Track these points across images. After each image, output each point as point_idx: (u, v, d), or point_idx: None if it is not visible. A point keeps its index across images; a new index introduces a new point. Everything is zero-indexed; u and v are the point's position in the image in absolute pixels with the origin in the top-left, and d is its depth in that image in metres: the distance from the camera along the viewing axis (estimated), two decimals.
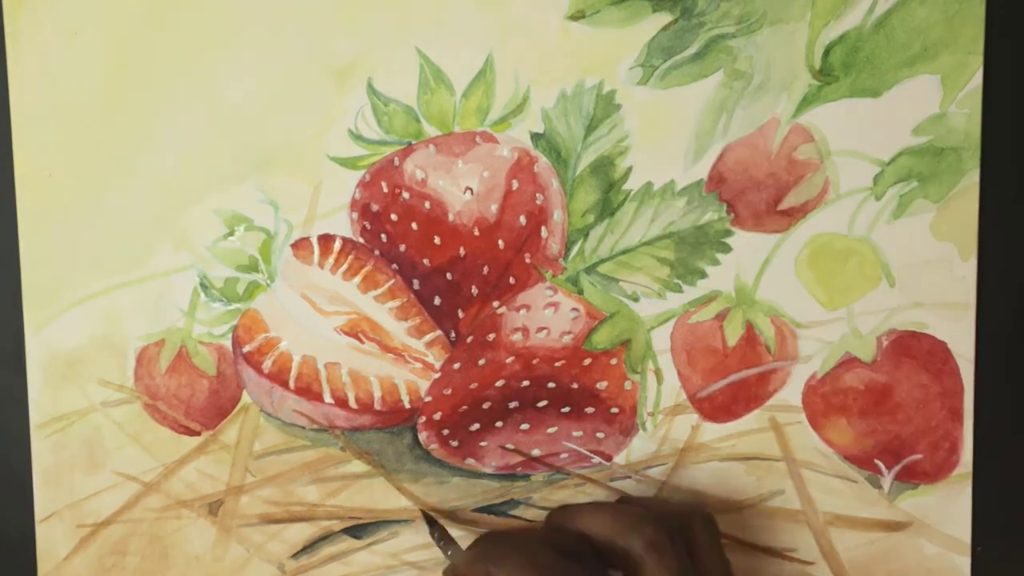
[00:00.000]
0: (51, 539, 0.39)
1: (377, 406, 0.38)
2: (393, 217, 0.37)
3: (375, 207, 0.37)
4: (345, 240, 0.38)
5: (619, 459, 0.38)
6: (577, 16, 0.36)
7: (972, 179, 0.36)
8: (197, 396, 0.39)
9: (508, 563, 0.31)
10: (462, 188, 0.37)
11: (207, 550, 0.39)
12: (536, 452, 0.38)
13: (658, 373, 0.37)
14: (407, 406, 0.38)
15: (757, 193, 0.36)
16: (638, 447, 0.38)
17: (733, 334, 0.37)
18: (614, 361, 0.37)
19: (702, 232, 0.37)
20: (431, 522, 0.37)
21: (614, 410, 0.37)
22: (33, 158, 0.38)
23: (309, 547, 0.39)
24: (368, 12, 0.37)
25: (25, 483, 0.39)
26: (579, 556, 0.32)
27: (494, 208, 0.37)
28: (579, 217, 0.37)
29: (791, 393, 0.37)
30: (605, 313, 0.37)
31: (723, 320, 0.37)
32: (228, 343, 0.38)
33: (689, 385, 0.37)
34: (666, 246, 0.37)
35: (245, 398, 0.39)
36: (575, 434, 0.38)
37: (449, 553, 0.36)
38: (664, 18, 0.36)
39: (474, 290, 0.38)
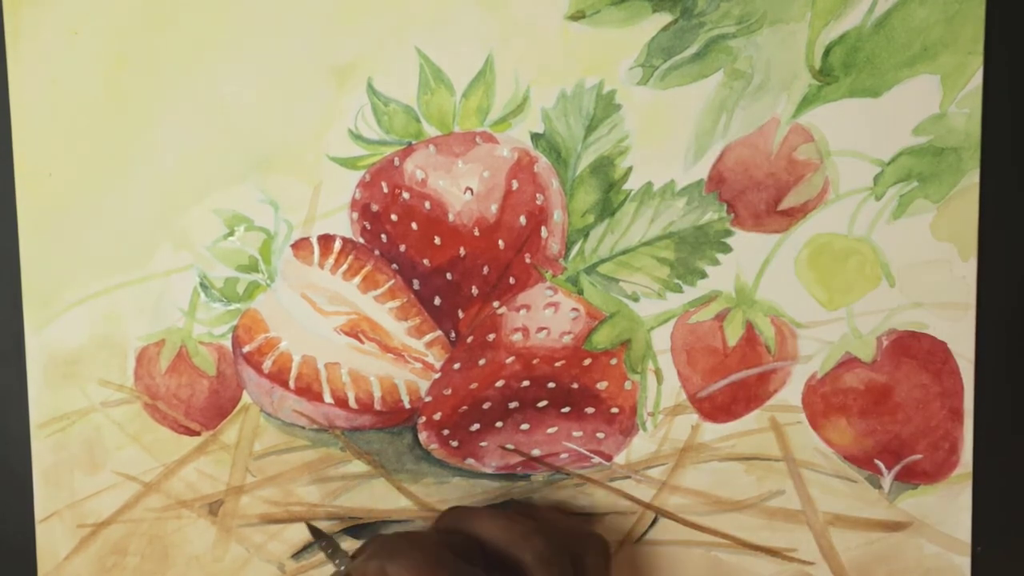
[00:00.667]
0: (51, 539, 0.39)
1: (377, 406, 0.38)
2: (393, 217, 0.37)
3: (375, 207, 0.37)
4: (345, 240, 0.38)
5: (619, 459, 0.38)
6: (577, 16, 0.36)
7: (972, 179, 0.36)
8: (197, 396, 0.39)
9: (403, 559, 0.31)
10: (462, 188, 0.37)
11: (207, 550, 0.39)
12: (536, 452, 0.38)
13: (658, 373, 0.37)
14: (407, 406, 0.38)
15: (757, 193, 0.36)
16: (638, 447, 0.38)
17: (733, 334, 0.37)
18: (614, 361, 0.37)
19: (702, 232, 0.37)
20: (317, 533, 0.37)
21: (614, 410, 0.37)
22: (33, 158, 0.38)
23: (309, 547, 0.39)
24: (368, 12, 0.37)
25: (25, 483, 0.39)
26: (470, 558, 0.32)
27: (494, 208, 0.37)
28: (579, 217, 0.37)
29: (791, 393, 0.37)
30: (605, 313, 0.37)
31: (723, 320, 0.37)
32: (228, 343, 0.38)
33: (689, 385, 0.37)
34: (666, 246, 0.37)
35: (245, 398, 0.39)
36: (575, 434, 0.38)
37: (337, 562, 0.35)
38: (664, 18, 0.36)
39: (474, 290, 0.38)
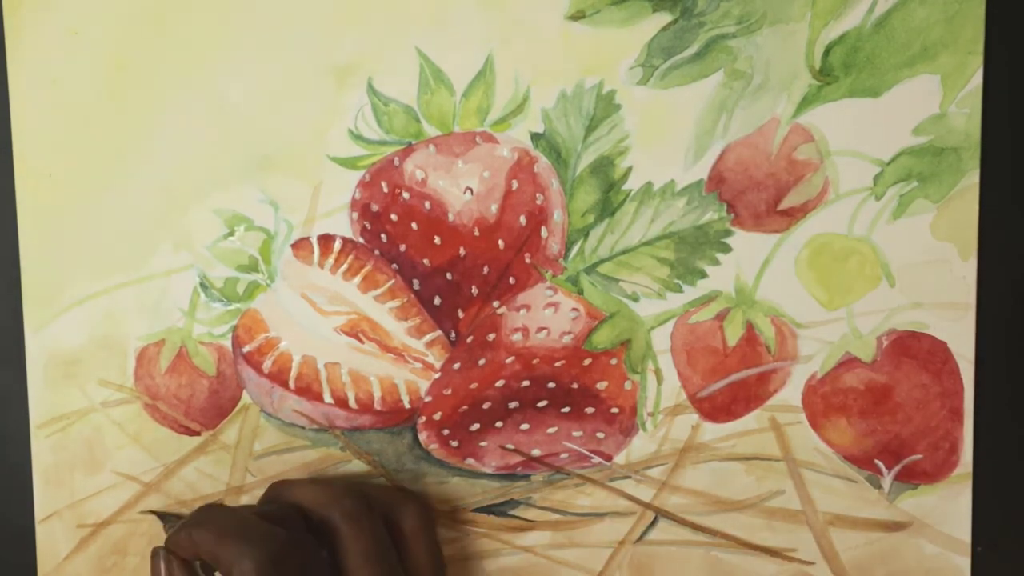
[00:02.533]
0: (51, 539, 0.39)
1: (377, 406, 0.38)
2: (393, 217, 0.37)
3: (375, 207, 0.37)
4: (345, 240, 0.38)
5: (619, 459, 0.38)
6: (577, 16, 0.36)
7: (972, 179, 0.36)
8: (197, 396, 0.39)
9: (206, 523, 0.32)
10: (462, 188, 0.37)
11: None
12: (536, 452, 0.38)
13: (658, 373, 0.37)
14: (407, 406, 0.38)
15: (757, 193, 0.36)
16: (638, 447, 0.38)
17: (733, 334, 0.37)
18: (614, 361, 0.37)
19: (702, 232, 0.37)
20: (163, 517, 0.38)
21: (614, 410, 0.37)
22: (33, 158, 0.38)
23: None
24: (368, 12, 0.37)
25: (25, 483, 0.39)
26: (283, 523, 0.33)
27: (494, 208, 0.37)
28: (579, 217, 0.37)
29: (791, 393, 0.37)
30: (605, 313, 0.37)
31: (723, 320, 0.37)
32: (228, 343, 0.38)
33: (689, 385, 0.37)
34: (666, 246, 0.37)
35: (245, 398, 0.39)
36: (575, 434, 0.38)
37: (166, 527, 0.37)
38: (664, 18, 0.36)
39: (474, 290, 0.38)
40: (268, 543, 0.31)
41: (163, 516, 0.38)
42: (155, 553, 0.33)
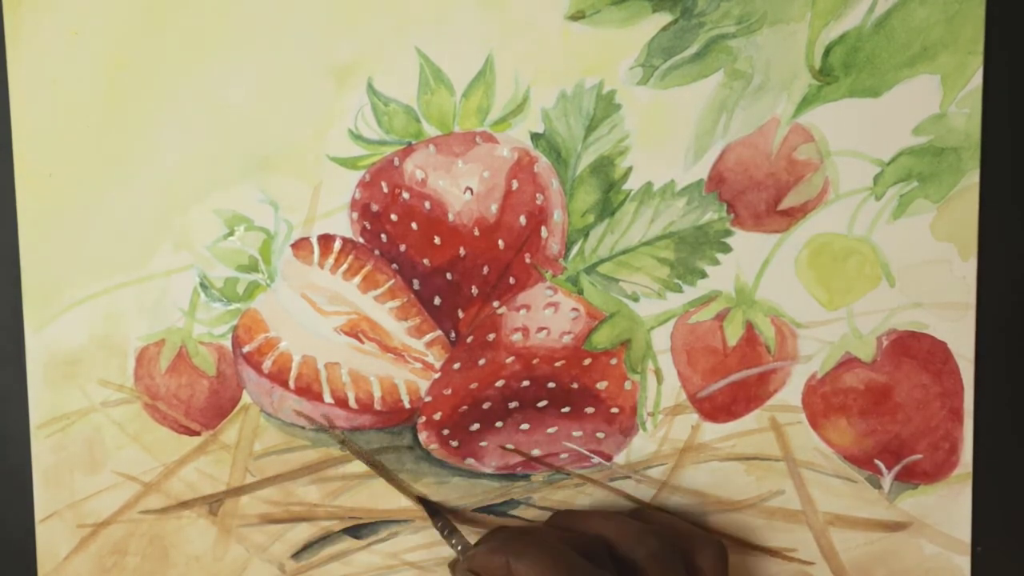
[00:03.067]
0: (51, 539, 0.39)
1: (377, 406, 0.38)
2: (393, 217, 0.37)
3: (375, 207, 0.37)
4: (345, 240, 0.38)
5: (619, 459, 0.38)
6: (577, 16, 0.36)
7: (972, 179, 0.36)
8: (197, 396, 0.39)
9: (529, 555, 0.31)
10: (462, 188, 0.37)
11: (207, 550, 0.39)
12: (536, 452, 0.38)
13: (658, 373, 0.37)
14: (407, 406, 0.38)
15: (757, 193, 0.36)
16: (638, 447, 0.38)
17: (733, 334, 0.37)
18: (614, 361, 0.37)
19: (702, 232, 0.37)
20: (433, 512, 0.37)
21: (614, 410, 0.37)
22: (33, 158, 0.38)
23: (309, 547, 0.39)
24: (368, 12, 0.37)
25: (25, 483, 0.39)
26: (592, 558, 0.32)
27: (494, 208, 0.37)
28: (579, 217, 0.37)
29: (791, 393, 0.37)
30: (605, 313, 0.37)
31: (723, 320, 0.37)
32: (228, 343, 0.38)
33: (689, 385, 0.37)
34: (666, 246, 0.37)
35: (245, 398, 0.39)
36: (575, 434, 0.38)
37: (454, 543, 0.36)
38: (664, 18, 0.36)
39: (474, 290, 0.38)
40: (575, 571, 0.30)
41: (435, 512, 0.37)
42: (459, 572, 0.33)
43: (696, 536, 0.34)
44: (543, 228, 0.37)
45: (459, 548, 0.35)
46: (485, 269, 0.37)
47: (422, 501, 0.38)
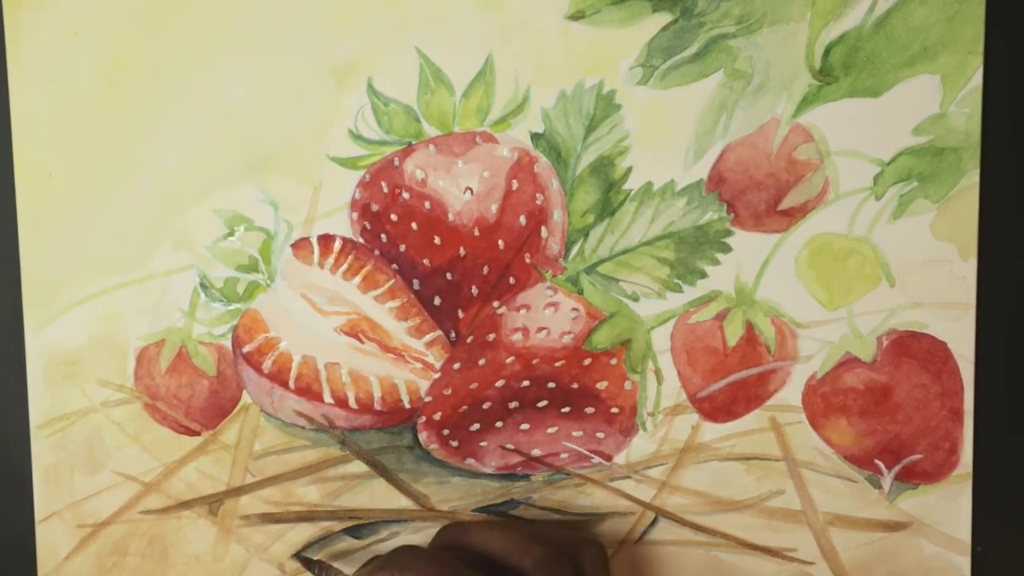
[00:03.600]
0: (51, 539, 0.39)
1: (377, 406, 0.38)
2: (393, 217, 0.37)
3: (375, 207, 0.38)
4: (345, 240, 0.38)
5: (619, 459, 0.38)
6: (577, 16, 0.36)
7: (972, 179, 0.36)
8: (197, 396, 0.39)
9: (414, 568, 0.31)
10: (462, 188, 0.37)
11: (207, 550, 0.39)
12: (536, 452, 0.38)
13: (658, 373, 0.37)
14: (407, 406, 0.38)
15: (757, 193, 0.36)
16: (638, 447, 0.38)
17: (733, 334, 0.37)
18: (614, 361, 0.37)
19: (702, 232, 0.37)
20: (308, 563, 0.37)
21: (614, 410, 0.37)
22: (33, 158, 0.38)
23: (309, 547, 0.39)
24: (368, 12, 0.37)
25: (25, 483, 0.39)
26: (478, 570, 0.32)
27: (494, 208, 0.37)
28: (579, 217, 0.37)
29: (791, 393, 0.37)
30: (605, 313, 0.37)
31: (723, 320, 0.37)
32: (228, 343, 0.38)
33: (689, 385, 0.37)
34: (666, 246, 0.37)
35: (245, 398, 0.39)
36: (575, 434, 0.38)
37: None
38: (664, 18, 0.36)
39: (474, 290, 0.38)
40: None
41: (308, 563, 0.37)
42: None
43: (577, 540, 0.35)
44: (543, 228, 0.37)
45: None
46: (485, 269, 0.37)
47: (301, 559, 0.38)
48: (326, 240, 0.38)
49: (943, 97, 0.35)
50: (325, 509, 0.39)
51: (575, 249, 0.37)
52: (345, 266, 0.38)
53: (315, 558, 0.38)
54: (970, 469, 0.37)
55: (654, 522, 0.38)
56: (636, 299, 0.37)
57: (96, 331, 0.39)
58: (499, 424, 0.38)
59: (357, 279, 0.38)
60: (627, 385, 0.37)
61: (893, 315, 0.36)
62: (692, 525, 0.38)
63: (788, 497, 0.37)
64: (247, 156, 0.38)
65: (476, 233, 0.37)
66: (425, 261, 0.38)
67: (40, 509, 0.39)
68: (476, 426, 0.38)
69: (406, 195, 0.37)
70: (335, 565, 0.37)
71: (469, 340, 0.38)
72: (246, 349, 0.38)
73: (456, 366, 0.38)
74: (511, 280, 0.37)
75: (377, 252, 0.38)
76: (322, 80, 0.37)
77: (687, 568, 0.38)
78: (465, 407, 0.38)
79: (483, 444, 0.38)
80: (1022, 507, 0.37)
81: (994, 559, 0.37)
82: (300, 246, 0.38)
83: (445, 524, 0.36)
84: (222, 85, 0.37)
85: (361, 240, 0.38)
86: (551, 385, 0.38)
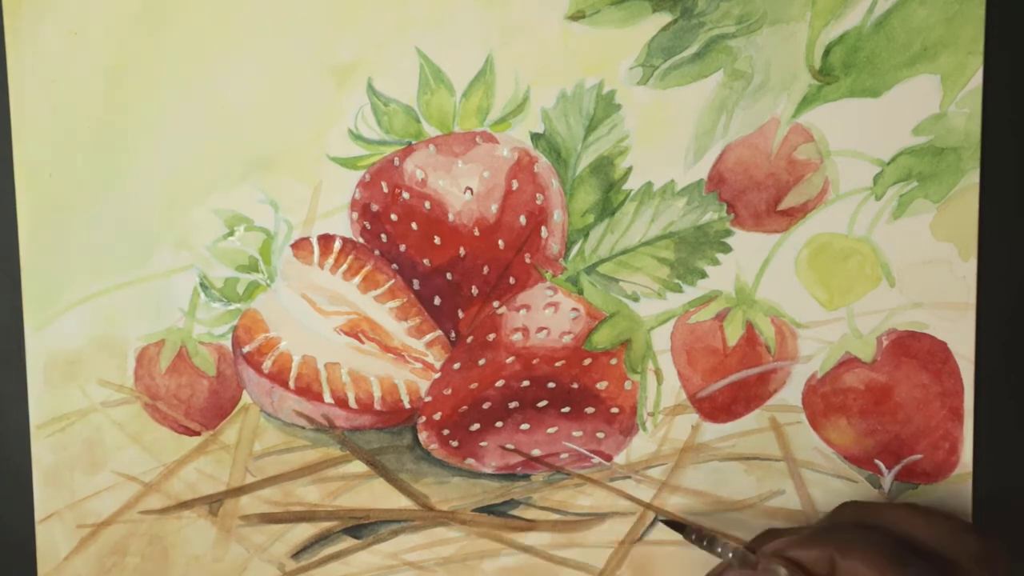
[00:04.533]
0: (51, 539, 0.39)
1: (377, 406, 0.38)
2: (393, 217, 0.37)
3: (375, 207, 0.37)
4: (345, 240, 0.38)
5: (619, 459, 0.38)
6: (577, 16, 0.36)
7: (972, 179, 0.36)
8: (197, 396, 0.39)
9: (857, 551, 0.29)
10: (462, 188, 0.37)
11: (207, 550, 0.39)
12: (536, 452, 0.38)
13: (658, 373, 0.37)
14: (407, 406, 0.38)
15: (757, 193, 0.36)
16: (638, 447, 0.38)
17: (733, 334, 0.37)
18: (614, 361, 0.37)
19: (702, 232, 0.37)
20: (680, 528, 0.35)
21: (614, 410, 0.37)
22: (33, 158, 0.38)
23: (309, 547, 0.39)
24: (368, 12, 0.37)
25: (25, 483, 0.39)
26: (916, 555, 0.30)
27: (494, 208, 0.37)
28: (579, 217, 0.37)
29: (791, 393, 0.37)
30: (605, 313, 0.37)
31: (723, 320, 0.37)
32: (228, 343, 0.38)
33: (689, 385, 0.37)
34: (666, 246, 0.37)
35: (245, 398, 0.39)
36: (575, 434, 0.38)
37: (719, 551, 0.33)
38: (664, 18, 0.36)
39: (474, 290, 0.38)
40: None
41: (679, 527, 0.35)
42: (775, 572, 0.30)
43: (992, 537, 0.32)
44: (543, 228, 0.37)
45: (729, 554, 0.33)
46: (485, 269, 0.37)
47: (667, 522, 0.36)
48: (326, 240, 0.38)
49: (943, 97, 0.35)
50: (325, 509, 0.39)
51: (575, 249, 0.37)
52: (345, 266, 0.38)
53: (685, 522, 0.35)
54: (970, 469, 0.37)
55: (654, 522, 0.38)
56: (636, 299, 0.37)
57: (96, 331, 0.39)
58: (499, 424, 0.38)
59: (357, 279, 0.38)
60: (627, 385, 0.37)
61: (893, 315, 0.36)
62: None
63: (788, 497, 0.37)
64: (247, 156, 0.38)
65: (476, 233, 0.37)
66: (425, 261, 0.38)
67: (40, 509, 0.39)
68: (476, 426, 0.38)
69: (406, 195, 0.37)
70: (716, 533, 0.35)
71: (469, 340, 0.38)
72: (246, 349, 0.38)
73: (456, 366, 0.38)
74: (511, 280, 0.37)
75: (377, 252, 0.38)
76: (322, 80, 0.37)
77: (687, 568, 0.38)
78: (465, 407, 0.38)
79: (483, 444, 0.38)
80: (1022, 507, 0.37)
81: None
82: (300, 246, 0.38)
83: (845, 502, 0.34)
84: (222, 85, 0.37)
85: (361, 240, 0.38)
86: (551, 385, 0.38)
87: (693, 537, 0.34)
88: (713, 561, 0.35)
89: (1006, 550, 0.32)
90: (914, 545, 0.31)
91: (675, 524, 0.35)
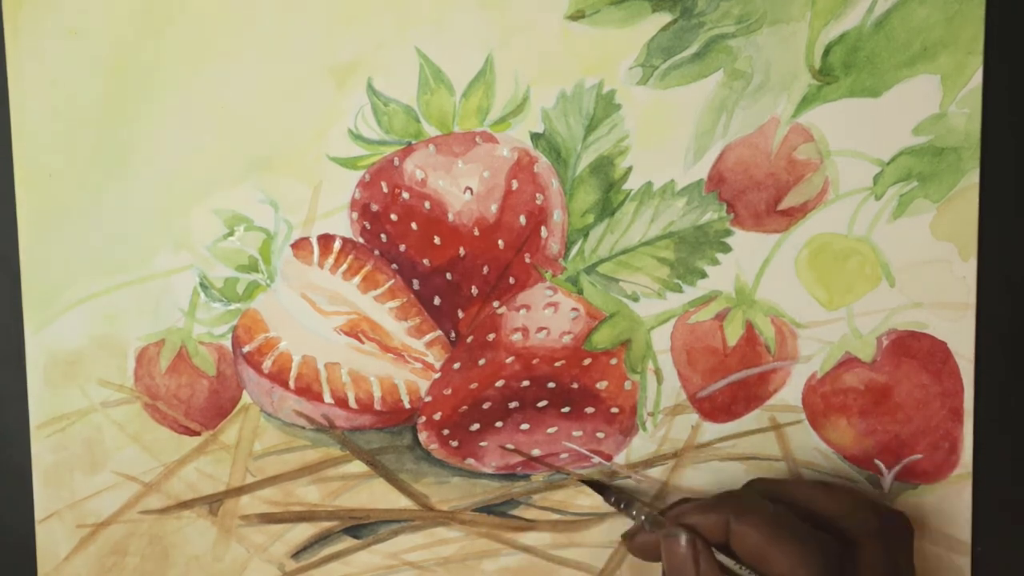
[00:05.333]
0: (51, 539, 0.39)
1: (377, 406, 0.38)
2: (393, 217, 0.37)
3: (375, 207, 0.38)
4: (345, 240, 0.38)
5: (619, 459, 0.38)
6: (577, 16, 0.36)
7: (972, 179, 0.36)
8: (197, 396, 0.39)
9: (750, 515, 0.31)
10: (462, 188, 0.37)
11: (207, 550, 0.39)
12: (536, 452, 0.38)
13: (658, 373, 0.37)
14: (407, 406, 0.38)
15: (757, 193, 0.36)
16: (638, 447, 0.38)
17: (733, 334, 0.37)
18: (614, 361, 0.37)
19: (702, 232, 0.37)
20: (602, 489, 0.37)
21: (614, 410, 0.37)
22: (33, 158, 0.38)
23: (309, 547, 0.39)
24: (368, 12, 0.37)
25: (25, 483, 0.39)
26: (814, 527, 0.31)
27: (494, 208, 0.37)
28: (579, 217, 0.37)
29: (791, 393, 0.37)
30: (605, 313, 0.37)
31: (723, 320, 0.37)
32: (228, 343, 0.38)
33: (689, 385, 0.37)
34: (666, 246, 0.37)
35: (245, 398, 0.39)
36: (575, 434, 0.38)
37: (634, 513, 0.35)
38: (664, 18, 0.36)
39: (474, 290, 0.38)
40: (826, 552, 0.30)
41: (600, 487, 0.37)
42: (675, 535, 0.32)
43: (895, 515, 0.34)
44: (543, 228, 0.37)
45: (642, 518, 0.34)
46: (485, 269, 0.37)
47: (587, 482, 0.37)
48: (326, 240, 0.38)
49: (943, 97, 0.35)
50: (325, 509, 0.39)
51: (575, 249, 0.37)
52: (345, 266, 0.38)
53: (605, 483, 0.37)
54: (970, 469, 0.37)
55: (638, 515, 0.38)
56: (636, 299, 0.37)
57: (96, 331, 0.39)
58: (499, 424, 0.38)
59: (357, 279, 0.38)
60: (627, 385, 0.37)
61: (893, 315, 0.36)
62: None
63: None
64: (247, 156, 0.38)
65: (476, 233, 0.37)
66: (425, 261, 0.38)
67: (40, 509, 0.39)
68: (476, 426, 0.38)
69: (406, 195, 0.37)
70: (634, 498, 0.36)
71: (469, 340, 0.38)
72: (246, 349, 0.38)
73: (456, 366, 0.38)
74: (511, 280, 0.37)
75: (377, 252, 0.38)
76: (322, 80, 0.37)
77: None
78: (465, 407, 0.38)
79: (483, 444, 0.38)
80: (1022, 507, 0.37)
81: (994, 559, 0.37)
82: (300, 246, 0.38)
83: (752, 478, 0.35)
84: (222, 85, 0.37)
85: (361, 240, 0.38)
86: (551, 385, 0.38)
87: (612, 500, 0.36)
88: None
89: (906, 526, 0.33)
90: (816, 518, 0.32)
91: (596, 485, 0.37)
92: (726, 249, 0.37)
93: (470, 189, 0.37)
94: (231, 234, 0.38)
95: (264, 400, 0.38)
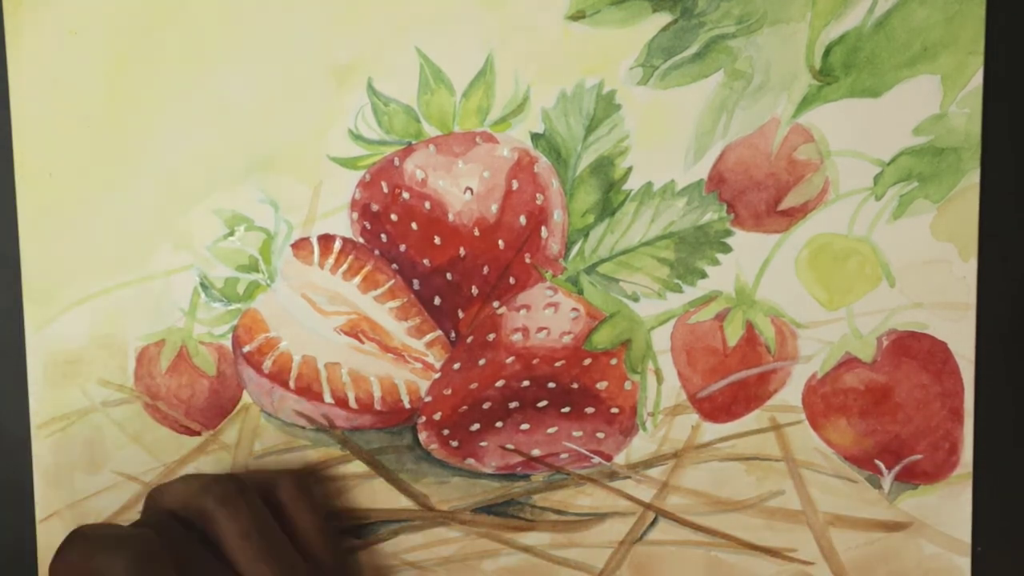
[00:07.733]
0: (51, 539, 0.39)
1: (377, 406, 0.38)
2: (393, 217, 0.37)
3: (375, 207, 0.38)
4: (345, 240, 0.38)
5: (619, 459, 0.38)
6: (577, 16, 0.36)
7: (972, 179, 0.36)
8: (197, 396, 0.39)
9: (77, 541, 0.30)
10: (462, 188, 0.37)
11: None
12: (536, 452, 0.38)
13: (658, 373, 0.37)
14: (407, 406, 0.38)
15: (757, 193, 0.36)
16: (638, 447, 0.38)
17: (733, 334, 0.37)
18: (614, 361, 0.37)
19: (702, 232, 0.37)
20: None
21: (614, 410, 0.37)
22: (33, 158, 0.38)
23: None
24: (368, 12, 0.37)
25: (25, 483, 0.39)
26: (156, 527, 0.32)
27: (494, 208, 0.37)
28: (579, 217, 0.37)
29: (791, 393, 0.37)
30: (605, 313, 0.37)
31: (723, 320, 0.37)
32: (228, 343, 0.38)
33: (689, 385, 0.37)
34: (666, 246, 0.37)
35: (245, 398, 0.39)
36: (575, 434, 0.38)
37: None
38: (664, 18, 0.36)
39: (474, 290, 0.38)
40: (134, 545, 0.30)
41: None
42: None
43: (270, 474, 0.36)
44: (543, 228, 0.37)
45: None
46: (485, 269, 0.37)
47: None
48: (326, 240, 0.38)
49: (943, 97, 0.35)
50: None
51: (575, 249, 0.37)
52: (345, 266, 0.38)
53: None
54: (970, 469, 0.37)
55: (654, 522, 0.38)
56: (636, 299, 0.37)
57: (96, 331, 0.39)
58: (499, 424, 0.38)
59: (357, 279, 0.38)
60: (627, 385, 0.37)
61: (893, 315, 0.36)
62: (692, 525, 0.38)
63: (788, 497, 0.37)
64: (247, 156, 0.38)
65: (476, 233, 0.37)
66: (425, 261, 0.38)
67: (40, 509, 0.39)
68: (476, 426, 0.38)
69: (406, 195, 0.37)
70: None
71: (469, 340, 0.38)
72: (246, 349, 0.38)
73: (456, 366, 0.38)
74: (511, 280, 0.37)
75: (377, 252, 0.38)
76: (322, 80, 0.37)
77: (687, 568, 0.38)
78: (465, 407, 0.38)
79: (483, 444, 0.38)
80: (1022, 507, 0.37)
81: (994, 559, 0.37)
82: (300, 246, 0.38)
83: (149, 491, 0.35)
84: (222, 85, 0.37)
85: (361, 240, 0.38)
86: (551, 385, 0.38)
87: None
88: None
89: (250, 490, 0.34)
90: (177, 515, 0.33)
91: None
92: (726, 249, 0.37)
93: (470, 189, 0.37)
94: (231, 234, 0.38)
95: (264, 400, 0.38)
